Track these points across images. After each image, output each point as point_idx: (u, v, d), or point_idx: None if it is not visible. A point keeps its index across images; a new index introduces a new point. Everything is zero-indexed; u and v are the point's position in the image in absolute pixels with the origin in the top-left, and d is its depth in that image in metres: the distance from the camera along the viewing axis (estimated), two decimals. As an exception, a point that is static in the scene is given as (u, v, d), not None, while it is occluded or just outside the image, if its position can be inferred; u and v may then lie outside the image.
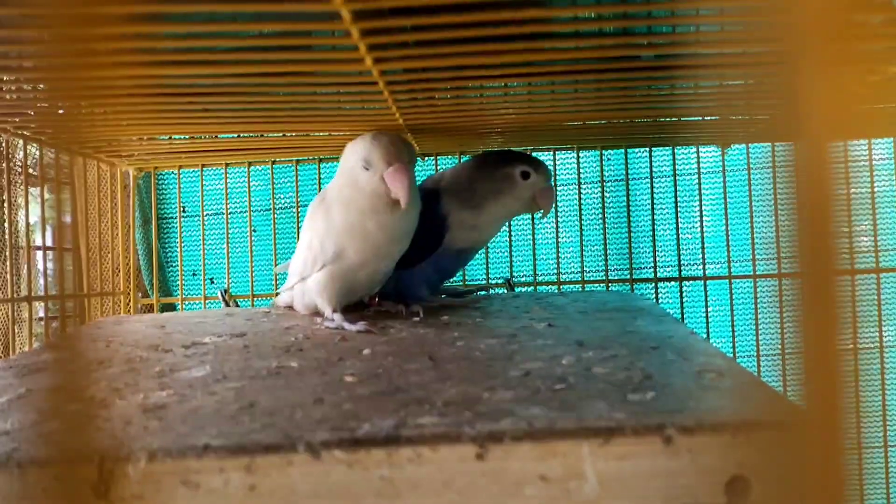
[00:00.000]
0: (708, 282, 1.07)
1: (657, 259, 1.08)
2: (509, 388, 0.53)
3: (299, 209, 1.12)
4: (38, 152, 0.89)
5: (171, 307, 1.14)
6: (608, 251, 1.08)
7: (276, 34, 0.51)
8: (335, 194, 0.79)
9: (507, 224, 1.09)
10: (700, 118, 0.91)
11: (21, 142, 0.84)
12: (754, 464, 0.43)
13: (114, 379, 0.61)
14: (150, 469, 0.43)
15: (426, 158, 1.11)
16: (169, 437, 0.46)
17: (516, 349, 0.65)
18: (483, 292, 1.03)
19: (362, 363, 0.62)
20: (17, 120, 0.79)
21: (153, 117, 0.76)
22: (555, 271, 1.11)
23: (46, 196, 0.91)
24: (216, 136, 0.93)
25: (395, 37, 0.50)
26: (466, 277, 1.13)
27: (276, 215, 1.13)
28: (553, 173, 1.09)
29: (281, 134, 0.94)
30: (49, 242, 0.92)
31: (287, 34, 0.51)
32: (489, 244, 1.09)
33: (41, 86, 0.68)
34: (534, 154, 1.10)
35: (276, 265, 1.09)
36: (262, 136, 0.95)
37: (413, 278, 0.88)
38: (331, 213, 0.79)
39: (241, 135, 0.95)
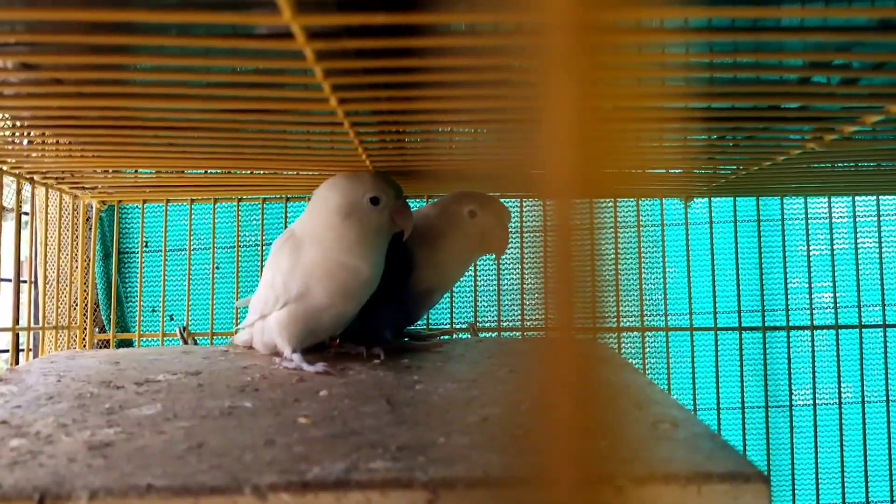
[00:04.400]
0: (670, 333, 1.07)
1: (620, 309, 1.08)
2: (466, 434, 0.52)
3: (264, 248, 1.11)
4: (-2, 181, 0.88)
5: (128, 343, 1.12)
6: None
7: (243, 71, 0.51)
8: (309, 232, 0.79)
9: (472, 268, 1.09)
10: (664, 170, 0.93)
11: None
12: (706, 516, 0.43)
13: (62, 414, 0.59)
14: (90, 509, 0.42)
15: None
16: (112, 475, 0.44)
17: (476, 395, 0.65)
18: (446, 336, 1.03)
19: (318, 405, 0.62)
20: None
21: (118, 150, 0.75)
22: (519, 318, 1.11)
23: (5, 226, 0.90)
24: (182, 172, 0.93)
25: (359, 78, 0.51)
26: (430, 321, 1.13)
27: (240, 253, 1.12)
28: (519, 219, 1.11)
29: (248, 171, 0.94)
30: (5, 273, 0.91)
31: (253, 71, 0.51)
32: (455, 289, 1.09)
33: (4, 115, 0.67)
34: (502, 201, 1.11)
35: (237, 300, 1.07)
36: (229, 172, 0.94)
37: (377, 319, 0.88)
38: (300, 251, 0.78)
39: (208, 171, 0.94)
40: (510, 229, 0.89)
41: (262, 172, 0.94)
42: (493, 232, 0.86)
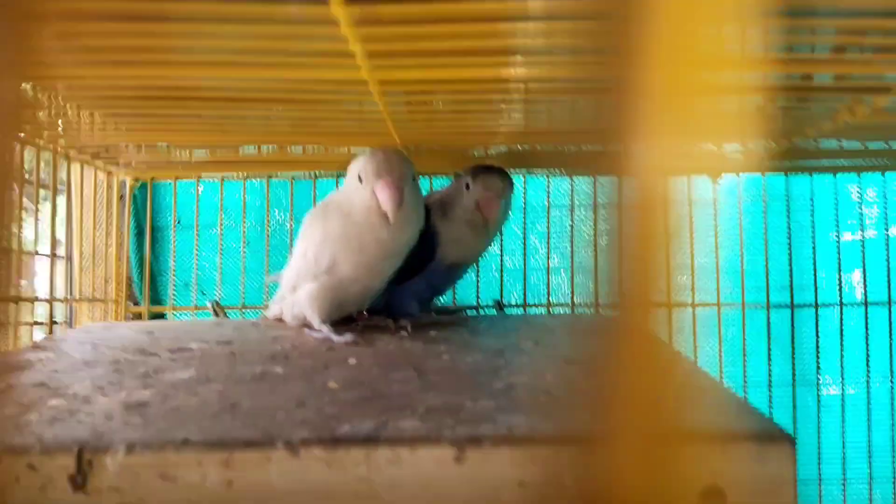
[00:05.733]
0: (697, 309, 1.07)
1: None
2: (492, 398, 0.53)
3: (293, 224, 1.13)
4: (34, 158, 0.89)
5: (160, 317, 1.14)
6: (598, 277, 1.08)
7: (275, 38, 0.52)
8: (336, 205, 0.80)
9: (497, 245, 1.10)
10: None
11: (19, 147, 0.85)
12: (729, 475, 0.43)
13: (98, 378, 0.61)
14: (128, 461, 0.43)
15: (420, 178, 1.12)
16: (149, 431, 0.46)
17: (502, 364, 0.66)
18: (473, 312, 1.04)
19: (347, 371, 0.63)
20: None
21: (149, 122, 0.76)
22: (545, 295, 1.11)
23: (42, 201, 0.92)
24: (214, 149, 0.94)
25: (392, 45, 0.51)
26: (456, 299, 1.14)
27: (269, 230, 1.13)
28: (546, 196, 1.11)
29: (276, 148, 0.95)
30: (43, 248, 0.93)
31: (284, 37, 0.52)
32: (481, 267, 1.09)
33: (39, 86, 0.68)
34: (528, 177, 1.11)
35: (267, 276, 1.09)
36: (259, 149, 0.95)
37: (404, 293, 0.88)
38: (329, 223, 0.79)
39: (240, 149, 0.96)
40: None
41: (290, 149, 0.95)
42: (483, 201, 0.86)
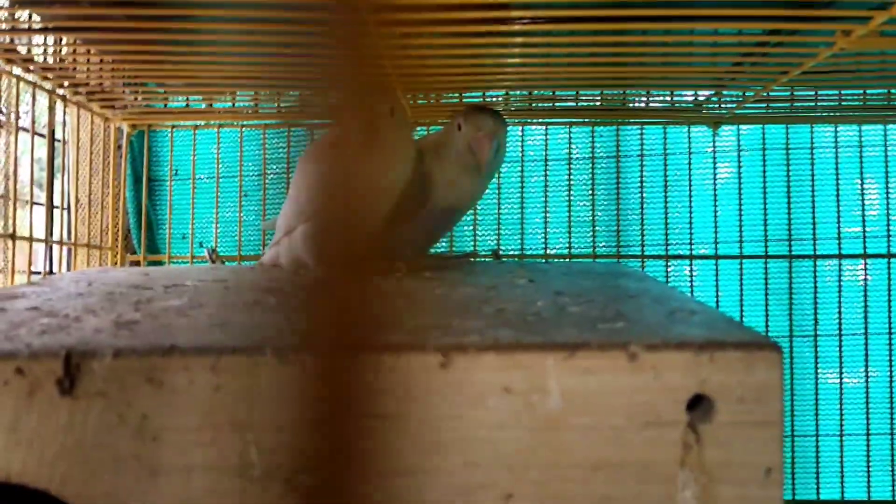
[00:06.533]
0: (694, 261, 1.07)
1: (644, 237, 1.08)
2: (481, 319, 0.53)
3: (290, 174, 1.12)
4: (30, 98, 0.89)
5: (158, 265, 1.14)
6: (596, 228, 1.08)
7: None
8: (327, 142, 0.79)
9: (495, 195, 1.09)
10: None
11: (14, 83, 0.84)
12: (719, 384, 0.43)
13: (90, 304, 0.61)
14: (115, 365, 0.43)
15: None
16: (137, 341, 0.46)
17: (494, 295, 0.66)
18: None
19: (340, 301, 0.63)
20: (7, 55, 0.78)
21: (142, 49, 0.75)
22: (542, 246, 1.11)
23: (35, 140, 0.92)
24: (211, 101, 0.94)
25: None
26: (454, 250, 1.14)
27: (266, 180, 1.13)
28: (544, 148, 1.11)
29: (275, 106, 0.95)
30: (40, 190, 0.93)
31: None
32: (479, 217, 1.09)
33: (34, 15, 0.68)
34: (525, 128, 1.11)
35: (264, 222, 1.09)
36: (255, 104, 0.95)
37: (399, 238, 0.88)
38: (321, 162, 0.79)
39: (236, 103, 0.95)
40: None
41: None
42: (474, 142, 0.85)
